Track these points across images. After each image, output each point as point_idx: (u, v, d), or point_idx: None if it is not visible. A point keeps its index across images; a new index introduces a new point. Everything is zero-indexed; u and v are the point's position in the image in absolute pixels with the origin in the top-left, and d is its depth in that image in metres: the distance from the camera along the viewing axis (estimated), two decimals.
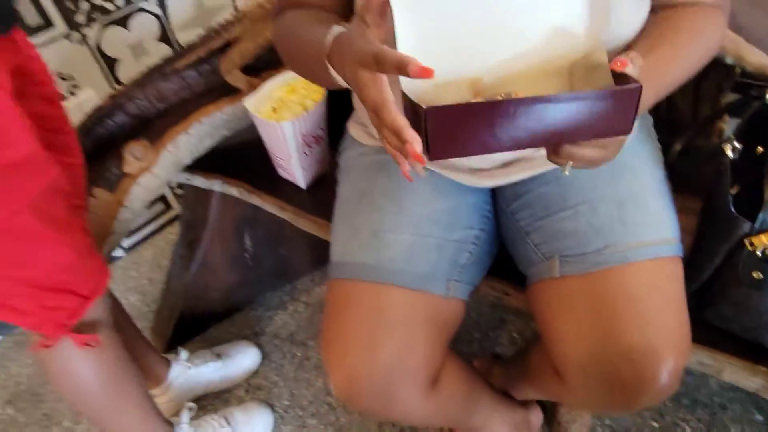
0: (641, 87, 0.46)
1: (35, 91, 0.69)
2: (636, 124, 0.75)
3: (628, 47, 0.61)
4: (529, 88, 0.54)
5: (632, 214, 0.67)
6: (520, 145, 0.47)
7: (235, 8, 1.52)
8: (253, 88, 0.98)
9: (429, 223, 0.73)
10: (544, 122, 0.46)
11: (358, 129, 0.85)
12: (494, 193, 0.81)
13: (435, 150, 0.46)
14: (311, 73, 0.66)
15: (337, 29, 0.55)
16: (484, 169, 0.74)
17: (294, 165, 0.98)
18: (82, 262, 0.72)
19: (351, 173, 0.81)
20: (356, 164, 0.81)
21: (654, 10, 0.65)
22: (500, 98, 0.49)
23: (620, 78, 0.49)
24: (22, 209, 0.62)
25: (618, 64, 0.49)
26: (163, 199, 1.64)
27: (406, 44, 0.51)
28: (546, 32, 0.54)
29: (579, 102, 0.46)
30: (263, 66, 1.01)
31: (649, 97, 0.56)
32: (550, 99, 0.46)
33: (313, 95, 0.95)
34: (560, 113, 0.46)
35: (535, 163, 0.72)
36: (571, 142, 0.49)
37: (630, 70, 0.49)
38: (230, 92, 1.02)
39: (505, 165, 0.73)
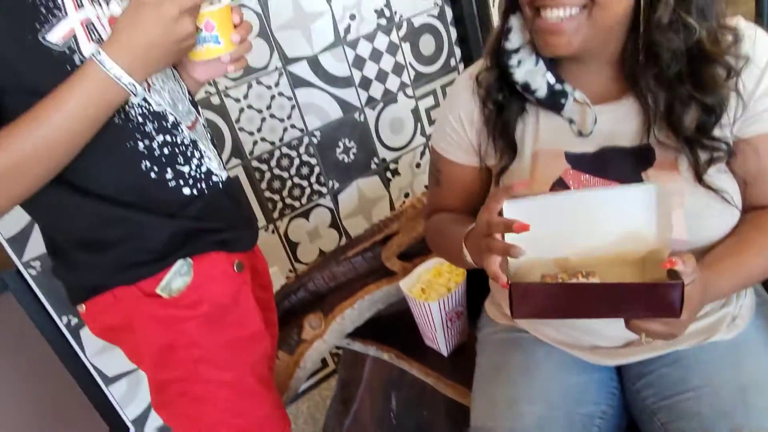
0: (682, 284, 0.59)
1: (258, 281, 0.96)
2: (752, 310, 0.83)
3: (711, 248, 0.74)
4: (606, 271, 0.69)
5: (756, 399, 0.72)
6: (588, 316, 0.63)
7: (391, 199, 1.85)
8: (406, 271, 1.21)
9: (559, 397, 0.83)
10: (604, 301, 0.61)
11: (494, 308, 1.01)
12: (620, 370, 0.89)
13: (516, 313, 0.64)
14: (451, 255, 0.88)
15: (471, 226, 0.77)
16: (604, 348, 0.84)
17: (438, 336, 1.15)
18: (275, 412, 0.92)
19: (488, 348, 0.96)
20: (492, 340, 0.95)
21: (746, 210, 0.77)
22: (575, 280, 0.67)
23: (673, 273, 0.62)
24: (247, 372, 0.85)
25: (669, 263, 0.62)
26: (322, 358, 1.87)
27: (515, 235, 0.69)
28: (622, 234, 0.70)
29: (631, 290, 0.61)
30: (415, 254, 1.25)
31: (707, 297, 0.68)
32: (607, 286, 0.62)
33: (455, 278, 1.14)
34: (616, 296, 0.61)
35: (654, 344, 0.81)
36: (633, 318, 0.63)
37: (680, 268, 0.61)
38: (388, 274, 1.26)
39: (626, 345, 0.83)
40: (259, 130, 1.55)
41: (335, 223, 1.77)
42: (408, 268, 1.22)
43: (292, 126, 1.60)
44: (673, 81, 0.71)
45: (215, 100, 1.46)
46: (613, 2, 0.68)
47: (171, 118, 0.77)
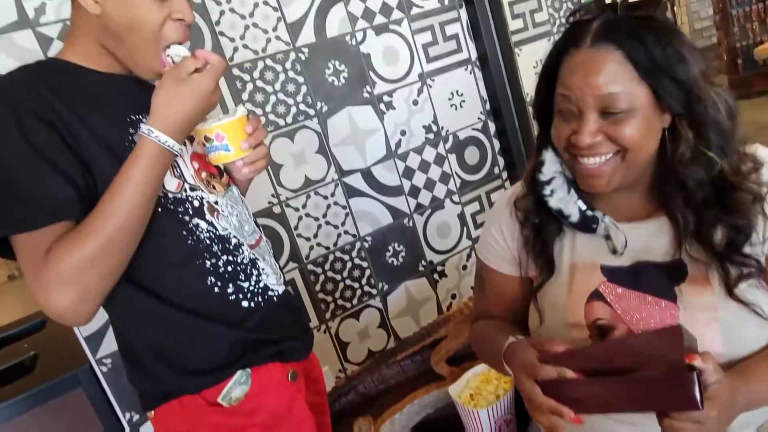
0: (697, 373, 0.62)
1: (312, 387, 1.02)
2: None
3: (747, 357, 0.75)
4: None
5: None
6: (611, 410, 0.71)
7: (438, 300, 1.90)
8: (455, 376, 1.23)
9: None
10: (625, 394, 0.66)
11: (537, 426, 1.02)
12: None
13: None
14: (494, 364, 0.93)
15: (510, 339, 0.83)
16: None
17: None
18: None
19: None
20: None
21: None
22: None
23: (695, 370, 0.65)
24: None
25: (688, 358, 0.64)
26: None
27: None
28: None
29: (649, 381, 0.65)
30: (463, 358, 1.28)
31: (741, 399, 0.69)
32: (626, 379, 0.67)
33: (504, 385, 1.16)
34: (636, 389, 0.66)
35: None
36: (657, 410, 0.66)
37: (698, 363, 0.63)
38: (436, 379, 1.29)
39: None
40: (315, 236, 1.67)
41: (384, 324, 1.82)
42: (456, 372, 1.25)
43: (346, 232, 1.71)
44: (701, 205, 0.76)
45: (277, 209, 1.60)
46: (642, 145, 0.75)
47: (234, 241, 0.88)
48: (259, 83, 1.54)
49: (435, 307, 1.90)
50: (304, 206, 1.64)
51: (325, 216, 1.68)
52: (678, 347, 0.64)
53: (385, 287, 1.80)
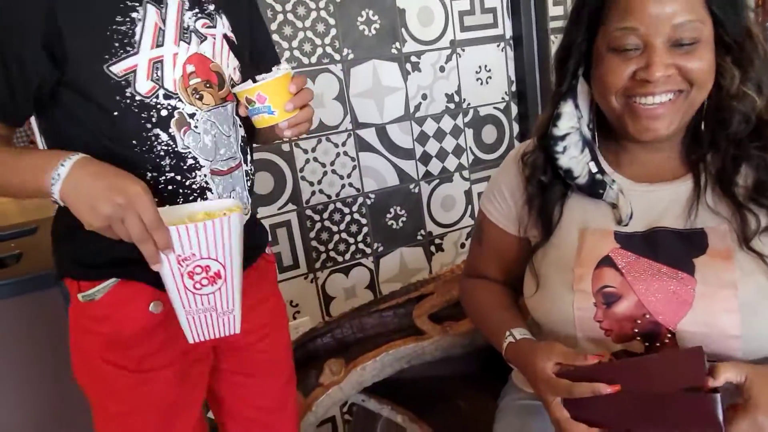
0: (712, 395, 0.61)
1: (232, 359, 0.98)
2: None
3: None
4: None
5: None
6: (630, 426, 0.68)
7: (431, 272, 1.87)
8: (435, 332, 1.20)
9: None
10: (644, 411, 0.65)
11: (521, 375, 0.99)
12: None
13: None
14: (490, 338, 0.93)
15: (515, 334, 0.84)
16: None
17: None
18: None
19: (507, 414, 0.93)
20: (513, 406, 0.93)
21: None
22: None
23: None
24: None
25: (710, 380, 0.63)
26: (332, 421, 1.82)
27: None
28: None
29: (671, 398, 0.64)
30: (447, 316, 1.25)
31: None
32: (646, 394, 0.65)
33: None
34: (656, 405, 0.64)
35: None
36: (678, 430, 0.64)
37: (711, 384, 0.62)
38: (416, 333, 1.26)
39: None
40: (319, 182, 1.65)
41: (372, 285, 1.79)
42: (438, 329, 1.22)
43: (350, 185, 1.69)
44: (735, 143, 0.75)
45: (285, 147, 1.58)
46: (707, 81, 0.73)
47: (190, 162, 0.81)
48: (290, 16, 1.52)
49: None
50: (313, 149, 1.62)
51: (332, 164, 1.65)
52: (699, 369, 0.63)
53: (380, 249, 1.78)
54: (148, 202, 0.68)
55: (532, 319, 0.92)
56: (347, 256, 1.73)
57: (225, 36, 0.86)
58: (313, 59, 1.57)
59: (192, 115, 0.81)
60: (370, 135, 1.69)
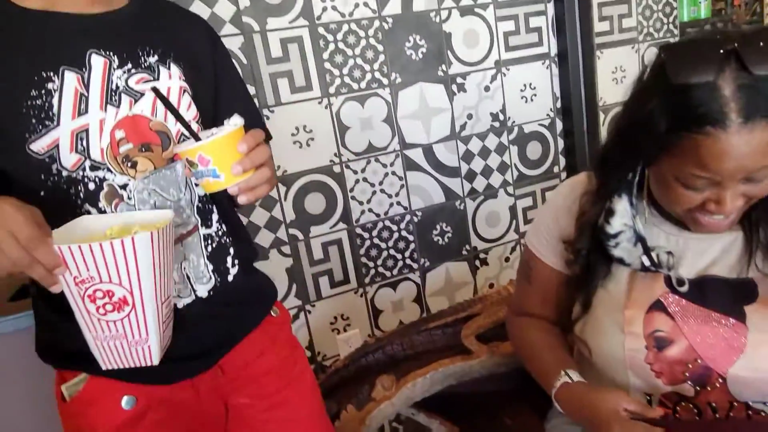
0: None
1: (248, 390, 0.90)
2: None
3: None
4: None
5: None
6: None
7: (475, 287, 1.92)
8: (483, 352, 1.26)
9: None
10: None
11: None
12: None
13: None
14: (539, 379, 0.94)
15: (572, 375, 0.84)
16: None
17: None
18: None
19: None
20: (563, 430, 0.96)
21: None
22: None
23: None
24: None
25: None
26: (381, 430, 1.89)
27: None
28: None
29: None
30: (493, 337, 1.30)
31: None
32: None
33: None
34: None
35: None
36: None
37: None
38: (464, 352, 1.31)
39: None
40: (368, 201, 1.72)
41: (419, 299, 1.85)
42: (484, 349, 1.27)
43: (398, 203, 1.76)
44: None
45: (336, 168, 1.65)
46: (766, 184, 0.68)
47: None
48: (341, 45, 1.59)
49: (471, 293, 1.92)
50: (363, 170, 1.69)
51: (381, 183, 1.72)
52: None
53: (426, 264, 1.84)
54: (20, 219, 0.57)
55: (577, 351, 0.96)
56: (395, 272, 1.80)
57: (175, 87, 0.78)
58: (363, 84, 1.64)
59: (124, 186, 0.73)
60: (417, 155, 1.75)
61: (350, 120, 1.64)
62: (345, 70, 1.61)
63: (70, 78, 0.69)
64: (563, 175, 1.98)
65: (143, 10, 0.79)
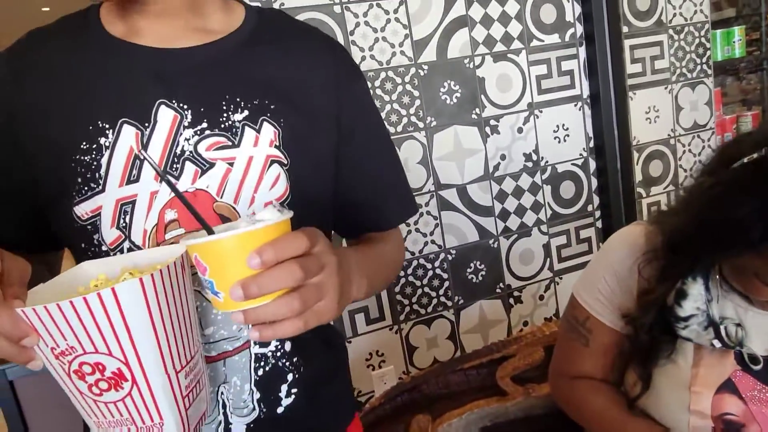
0: None
1: None
2: None
3: None
4: None
5: None
6: None
7: (509, 325, 1.93)
8: (518, 393, 1.27)
9: None
10: None
11: None
12: None
13: None
14: None
15: None
16: None
17: None
18: None
19: None
20: None
21: None
22: None
23: None
24: None
25: None
26: None
27: None
28: None
29: None
30: (528, 379, 1.32)
31: None
32: None
33: None
34: None
35: None
36: None
37: None
38: (499, 393, 1.33)
39: None
40: (404, 240, 1.77)
41: (453, 336, 1.87)
42: (520, 390, 1.29)
43: (433, 242, 1.80)
44: None
45: None
46: None
47: None
48: (378, 92, 1.67)
49: (505, 331, 1.93)
50: None
51: (416, 223, 1.77)
52: None
53: (461, 301, 1.86)
54: None
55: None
56: (429, 309, 1.83)
57: (259, 157, 0.59)
58: (399, 128, 1.71)
59: None
60: (451, 195, 1.79)
61: None
62: (382, 115, 1.68)
63: (128, 134, 0.56)
64: (597, 213, 1.99)
65: (254, 36, 0.62)
